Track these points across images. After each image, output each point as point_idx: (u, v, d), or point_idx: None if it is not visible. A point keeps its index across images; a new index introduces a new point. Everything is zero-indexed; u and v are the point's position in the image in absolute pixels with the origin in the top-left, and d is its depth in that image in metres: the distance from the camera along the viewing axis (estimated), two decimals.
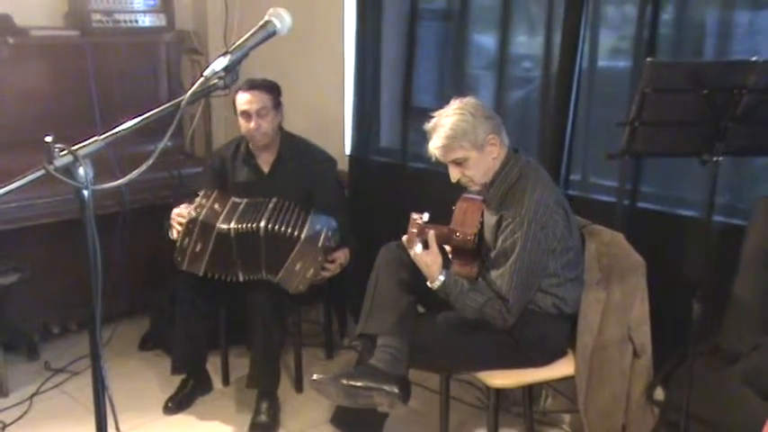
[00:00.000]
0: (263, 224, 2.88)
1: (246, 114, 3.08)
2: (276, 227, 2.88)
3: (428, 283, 2.40)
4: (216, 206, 2.96)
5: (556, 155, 2.96)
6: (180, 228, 2.94)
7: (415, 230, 2.37)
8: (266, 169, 3.22)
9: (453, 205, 2.63)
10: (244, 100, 3.06)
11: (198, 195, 3.03)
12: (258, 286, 2.94)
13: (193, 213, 2.91)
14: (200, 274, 2.94)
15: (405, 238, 2.40)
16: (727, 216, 2.61)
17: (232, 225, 2.89)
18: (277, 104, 3.13)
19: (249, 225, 2.89)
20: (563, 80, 2.89)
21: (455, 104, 2.41)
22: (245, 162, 3.23)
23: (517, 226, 2.32)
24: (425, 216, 2.39)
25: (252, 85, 3.07)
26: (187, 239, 2.92)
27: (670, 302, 2.49)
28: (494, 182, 2.45)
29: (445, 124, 2.37)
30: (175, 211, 3.01)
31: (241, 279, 2.94)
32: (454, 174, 2.44)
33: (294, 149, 3.24)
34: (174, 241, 2.97)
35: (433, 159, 2.46)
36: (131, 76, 3.74)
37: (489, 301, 2.34)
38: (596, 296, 2.47)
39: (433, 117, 2.43)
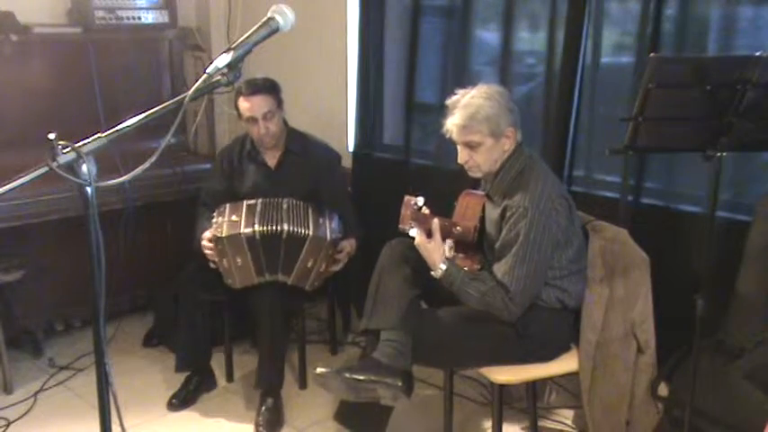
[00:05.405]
0: (285, 227, 2.88)
1: (253, 120, 3.05)
2: (295, 229, 2.88)
3: (431, 273, 2.41)
4: (233, 217, 2.94)
5: (559, 151, 2.96)
6: (214, 256, 2.93)
7: (408, 212, 2.37)
8: (273, 164, 3.21)
9: (455, 201, 2.63)
10: (248, 107, 3.02)
11: (213, 216, 3.01)
12: (262, 285, 2.94)
13: (216, 234, 2.88)
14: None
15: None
16: (731, 212, 2.61)
17: (256, 228, 2.88)
18: (280, 103, 3.12)
19: (272, 227, 2.88)
20: (566, 76, 2.89)
21: (484, 88, 2.41)
22: (252, 159, 3.22)
23: (521, 216, 2.33)
24: (420, 200, 2.39)
25: (254, 90, 3.02)
26: (225, 260, 2.90)
27: (674, 298, 2.48)
28: (498, 173, 2.46)
29: (471, 104, 2.37)
30: (203, 243, 2.98)
31: (268, 279, 2.93)
32: (463, 155, 2.45)
33: (299, 144, 3.23)
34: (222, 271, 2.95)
35: (447, 136, 2.45)
36: (134, 73, 3.75)
37: (491, 290, 2.34)
38: (600, 292, 2.47)
39: (455, 94, 2.42)
